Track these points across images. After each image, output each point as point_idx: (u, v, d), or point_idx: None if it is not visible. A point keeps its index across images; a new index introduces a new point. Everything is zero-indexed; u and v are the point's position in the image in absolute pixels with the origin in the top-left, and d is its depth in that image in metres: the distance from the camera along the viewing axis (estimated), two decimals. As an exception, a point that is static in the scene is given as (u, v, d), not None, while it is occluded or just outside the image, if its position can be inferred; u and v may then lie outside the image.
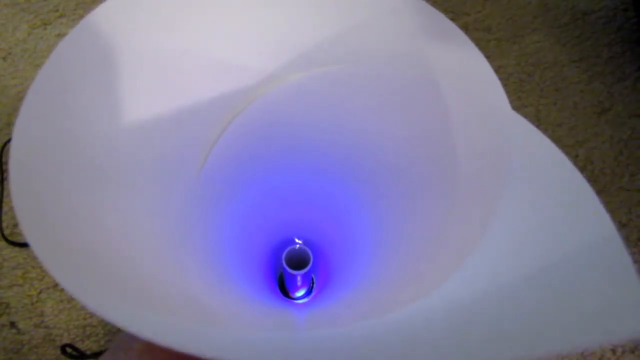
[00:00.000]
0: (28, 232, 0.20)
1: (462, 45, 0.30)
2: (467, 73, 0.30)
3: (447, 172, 0.30)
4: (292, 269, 0.46)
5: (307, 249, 0.46)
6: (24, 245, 0.67)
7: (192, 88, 0.34)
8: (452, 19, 0.85)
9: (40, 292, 0.65)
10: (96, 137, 0.30)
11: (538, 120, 0.75)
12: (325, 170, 0.39)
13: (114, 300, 0.20)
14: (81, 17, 0.82)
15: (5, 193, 0.70)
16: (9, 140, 0.73)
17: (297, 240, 0.45)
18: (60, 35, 0.84)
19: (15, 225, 0.68)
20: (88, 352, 0.61)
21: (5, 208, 0.69)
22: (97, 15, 0.31)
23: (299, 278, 0.47)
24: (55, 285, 0.65)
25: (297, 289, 0.49)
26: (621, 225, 0.66)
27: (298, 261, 0.47)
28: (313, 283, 0.52)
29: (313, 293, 0.52)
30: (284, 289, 0.51)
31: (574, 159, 0.72)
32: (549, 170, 0.27)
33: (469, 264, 0.25)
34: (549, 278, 0.23)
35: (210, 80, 0.34)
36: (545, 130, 0.73)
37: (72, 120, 0.29)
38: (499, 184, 0.27)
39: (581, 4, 0.87)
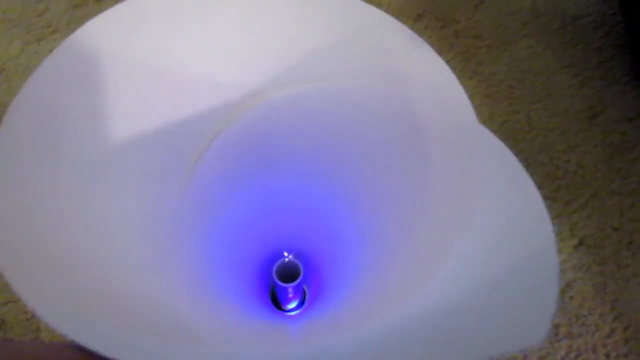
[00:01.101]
0: (1, 258, 0.20)
1: (434, 63, 0.30)
2: (437, 89, 0.30)
3: (423, 185, 0.31)
4: (283, 282, 0.46)
5: (297, 261, 0.47)
6: None
7: (178, 104, 0.34)
8: (443, 27, 0.86)
9: (35, 308, 0.65)
10: (80, 155, 0.30)
11: (529, 126, 0.75)
12: (311, 181, 0.40)
13: (93, 324, 0.20)
14: (74, 31, 0.82)
15: None
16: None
17: (285, 254, 0.45)
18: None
19: None
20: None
21: None
22: (83, 33, 0.32)
23: (290, 290, 0.47)
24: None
25: (289, 301, 0.50)
26: (613, 230, 0.67)
27: (289, 273, 0.47)
28: (305, 294, 0.52)
29: (305, 304, 0.52)
30: (276, 301, 0.51)
31: (566, 163, 0.72)
32: (509, 187, 0.28)
33: (440, 273, 0.26)
34: (490, 293, 0.25)
35: (196, 96, 0.34)
36: (536, 136, 0.73)
37: (55, 138, 0.29)
38: (469, 202, 0.27)
39: (571, 9, 0.87)
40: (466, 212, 0.27)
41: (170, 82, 0.34)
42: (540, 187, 0.70)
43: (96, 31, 0.33)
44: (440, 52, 0.87)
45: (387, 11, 0.92)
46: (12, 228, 0.22)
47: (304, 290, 0.52)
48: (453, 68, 0.83)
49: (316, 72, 0.33)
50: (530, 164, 0.72)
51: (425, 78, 0.30)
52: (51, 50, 0.82)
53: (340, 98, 0.33)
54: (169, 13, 0.32)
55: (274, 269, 0.46)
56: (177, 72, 0.34)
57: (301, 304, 0.52)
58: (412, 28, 0.87)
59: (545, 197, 0.69)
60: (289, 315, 0.50)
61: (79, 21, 0.88)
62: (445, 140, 0.30)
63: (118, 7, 0.31)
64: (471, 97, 0.78)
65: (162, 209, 0.33)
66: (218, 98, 0.34)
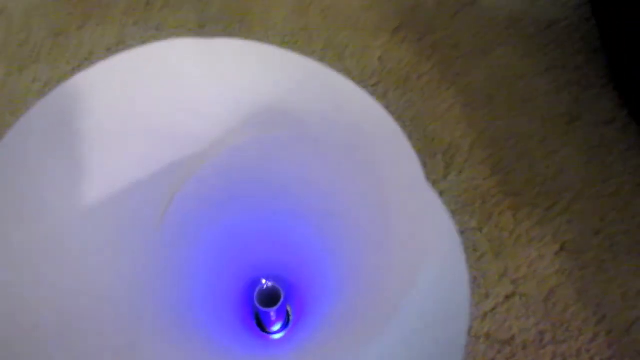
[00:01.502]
0: None
1: (390, 128, 0.32)
2: (390, 150, 0.32)
3: (381, 231, 0.32)
4: (265, 306, 0.46)
5: (277, 286, 0.47)
6: None
7: (150, 154, 0.35)
8: (420, 38, 0.87)
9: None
10: (55, 211, 0.31)
11: (509, 133, 0.76)
12: (283, 213, 0.40)
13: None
14: (55, 60, 0.83)
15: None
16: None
17: (263, 281, 0.46)
18: (36, 81, 0.86)
19: None
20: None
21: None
22: (60, 91, 0.33)
23: (272, 314, 0.48)
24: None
25: (272, 323, 0.50)
26: (594, 233, 0.68)
27: (270, 297, 0.48)
28: (289, 314, 0.53)
29: (290, 324, 0.52)
30: (260, 323, 0.52)
31: (546, 169, 0.73)
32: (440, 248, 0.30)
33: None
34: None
35: (167, 145, 0.35)
36: (516, 143, 0.74)
37: (29, 194, 0.30)
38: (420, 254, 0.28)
39: (546, 15, 0.88)
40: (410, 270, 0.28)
41: (143, 133, 0.35)
42: (520, 193, 0.71)
43: (72, 90, 0.34)
44: (418, 64, 0.88)
45: (364, 25, 0.93)
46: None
47: (287, 312, 0.53)
48: (431, 79, 0.84)
49: (280, 120, 0.34)
50: (510, 171, 0.73)
51: (381, 139, 0.32)
52: (34, 80, 0.83)
53: (300, 144, 0.34)
54: (140, 73, 0.33)
55: (255, 294, 0.47)
56: (150, 124, 0.35)
57: (285, 324, 0.52)
58: (390, 41, 0.88)
59: (526, 204, 0.70)
60: (272, 339, 0.51)
61: (61, 49, 0.90)
62: (397, 196, 0.32)
63: (93, 69, 0.33)
64: (451, 107, 0.79)
65: (136, 260, 0.33)
66: (188, 146, 0.35)
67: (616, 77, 0.80)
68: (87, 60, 0.89)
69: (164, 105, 0.34)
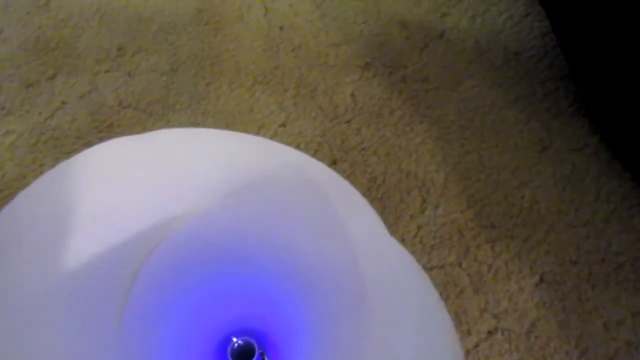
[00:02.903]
0: None
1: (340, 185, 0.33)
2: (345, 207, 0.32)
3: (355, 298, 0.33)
4: (240, 362, 0.46)
5: (250, 341, 0.47)
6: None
7: (109, 234, 0.35)
8: (391, 73, 0.88)
9: None
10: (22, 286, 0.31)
11: (482, 165, 0.77)
12: (253, 274, 0.40)
13: None
14: (27, 112, 0.83)
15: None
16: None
17: (234, 339, 0.45)
18: (8, 133, 0.85)
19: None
20: None
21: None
22: (27, 193, 0.34)
23: (248, 369, 0.47)
24: None
25: (250, 379, 0.49)
26: (572, 263, 0.68)
27: (245, 353, 0.47)
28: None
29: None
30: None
31: (520, 200, 0.73)
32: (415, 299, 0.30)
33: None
34: None
35: (126, 226, 0.36)
36: (489, 175, 0.75)
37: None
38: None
39: (512, 44, 0.90)
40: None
41: (106, 220, 0.35)
42: (497, 225, 0.71)
43: (34, 192, 0.35)
44: (390, 99, 0.89)
45: (335, 62, 0.94)
46: None
47: (265, 364, 0.52)
48: (403, 114, 0.84)
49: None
50: (485, 204, 0.73)
51: (340, 200, 0.32)
52: (6, 133, 0.82)
53: (266, 217, 0.35)
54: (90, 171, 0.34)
55: (228, 352, 0.46)
56: (111, 211, 0.35)
57: (264, 377, 0.51)
58: (360, 77, 0.89)
59: (503, 236, 0.71)
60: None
61: (32, 100, 0.89)
62: (364, 251, 0.32)
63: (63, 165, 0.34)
64: (423, 142, 0.80)
65: (101, 335, 0.33)
66: (150, 224, 0.36)
67: (586, 103, 0.81)
68: (60, 109, 0.89)
69: (127, 192, 0.34)
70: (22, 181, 0.81)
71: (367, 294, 0.32)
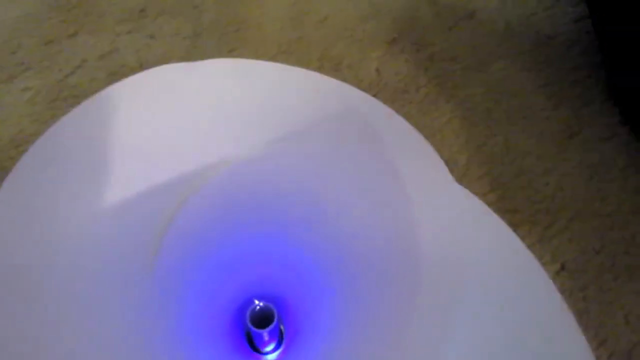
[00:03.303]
0: None
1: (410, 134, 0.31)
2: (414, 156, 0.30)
3: (407, 260, 0.31)
4: (258, 327, 0.45)
5: (270, 306, 0.46)
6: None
7: (150, 176, 0.34)
8: (418, 50, 0.86)
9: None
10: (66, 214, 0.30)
11: (507, 149, 0.75)
12: (282, 234, 0.39)
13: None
14: (47, 68, 0.81)
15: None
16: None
17: (256, 302, 0.44)
18: (27, 89, 0.84)
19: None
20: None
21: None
22: (68, 120, 0.33)
23: (265, 334, 0.46)
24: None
25: (265, 344, 0.49)
26: (595, 252, 0.66)
27: (263, 318, 0.46)
28: (282, 335, 0.51)
29: (283, 345, 0.51)
30: (253, 344, 0.50)
31: (545, 186, 0.72)
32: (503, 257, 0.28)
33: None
34: None
35: (166, 167, 0.35)
36: (514, 159, 0.73)
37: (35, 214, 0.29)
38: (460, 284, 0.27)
39: (544, 28, 0.88)
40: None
41: (144, 157, 0.34)
42: (519, 210, 0.70)
43: (78, 118, 0.34)
44: (416, 76, 0.87)
45: (361, 36, 0.92)
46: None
47: (280, 331, 0.51)
48: (429, 92, 0.83)
49: (284, 136, 0.33)
50: (508, 188, 0.72)
51: (396, 143, 0.30)
52: (24, 89, 0.81)
53: (318, 160, 0.33)
54: (144, 96, 0.33)
55: (247, 315, 0.45)
56: (150, 147, 0.34)
57: (279, 345, 0.51)
58: (387, 52, 0.87)
59: (526, 221, 0.69)
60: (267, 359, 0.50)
61: (52, 57, 0.88)
62: (425, 199, 0.30)
63: (98, 97, 0.32)
64: (449, 121, 0.78)
65: (131, 286, 0.32)
66: (188, 167, 0.35)
67: (617, 92, 0.79)
68: (80, 68, 0.88)
69: (167, 126, 0.33)
70: (39, 137, 0.80)
71: (422, 267, 0.30)
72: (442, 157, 0.74)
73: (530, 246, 0.67)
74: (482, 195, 0.71)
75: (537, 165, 0.74)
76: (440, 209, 0.29)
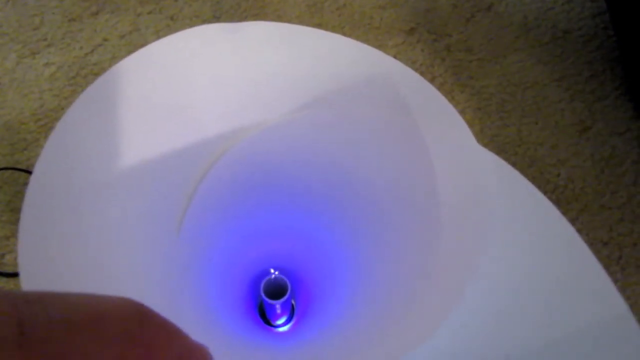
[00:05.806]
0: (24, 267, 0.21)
1: (432, 94, 0.31)
2: (435, 117, 0.31)
3: (428, 216, 0.31)
4: (271, 299, 0.46)
5: (284, 278, 0.47)
6: (12, 275, 0.68)
7: (179, 137, 0.35)
8: (435, 40, 0.86)
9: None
10: (94, 188, 0.31)
11: (520, 140, 0.76)
12: (302, 204, 0.40)
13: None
14: (69, 45, 0.83)
15: (-7, 223, 0.71)
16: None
17: (272, 271, 0.45)
18: (48, 64, 0.85)
19: (3, 255, 0.69)
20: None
21: (-7, 238, 0.70)
22: (103, 79, 0.33)
23: (277, 307, 0.47)
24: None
25: (277, 317, 0.50)
26: (603, 244, 0.67)
27: (277, 290, 0.47)
28: (294, 309, 0.52)
29: (294, 319, 0.52)
30: (265, 316, 0.51)
31: (556, 177, 0.72)
32: (526, 208, 0.28)
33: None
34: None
35: (195, 128, 0.35)
36: (527, 150, 0.74)
37: (77, 171, 0.30)
38: (481, 236, 0.27)
39: (562, 22, 0.88)
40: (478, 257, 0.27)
41: (174, 117, 0.35)
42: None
43: (114, 76, 0.34)
44: (432, 65, 0.87)
45: (379, 25, 0.92)
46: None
47: (292, 305, 0.52)
48: (444, 81, 0.83)
49: (315, 98, 0.34)
50: (520, 178, 0.72)
51: (422, 107, 0.31)
52: (46, 64, 0.83)
53: (337, 124, 0.34)
54: (175, 57, 0.33)
55: (262, 286, 0.46)
56: (180, 108, 0.35)
57: (290, 319, 0.52)
58: (404, 41, 0.88)
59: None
60: (277, 332, 0.51)
61: (74, 35, 0.89)
62: (453, 171, 0.30)
63: (135, 55, 0.33)
64: (463, 111, 0.79)
65: (158, 246, 0.33)
66: (215, 129, 0.35)
67: (633, 88, 0.79)
68: (101, 46, 0.89)
69: (191, 91, 0.34)
70: (60, 112, 0.81)
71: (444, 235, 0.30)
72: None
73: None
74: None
75: (550, 156, 0.74)
76: (464, 170, 0.30)
